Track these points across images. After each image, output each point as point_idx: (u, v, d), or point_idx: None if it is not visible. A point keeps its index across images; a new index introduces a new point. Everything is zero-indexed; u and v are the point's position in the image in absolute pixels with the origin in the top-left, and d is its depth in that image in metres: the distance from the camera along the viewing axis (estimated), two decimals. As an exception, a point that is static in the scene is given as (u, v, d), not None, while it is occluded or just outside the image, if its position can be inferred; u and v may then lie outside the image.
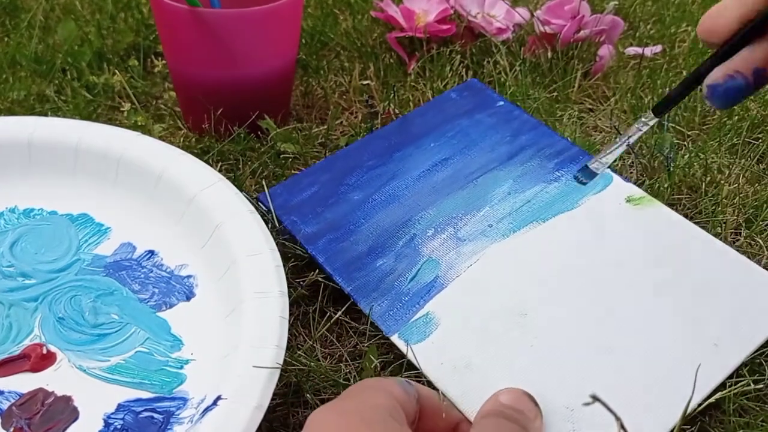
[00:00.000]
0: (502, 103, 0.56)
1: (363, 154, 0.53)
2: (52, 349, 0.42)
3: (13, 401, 0.39)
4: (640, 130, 0.41)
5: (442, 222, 0.48)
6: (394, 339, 0.42)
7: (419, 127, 0.55)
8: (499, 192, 0.49)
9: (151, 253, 0.48)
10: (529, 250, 0.46)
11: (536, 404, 0.36)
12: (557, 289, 0.44)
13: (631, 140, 0.42)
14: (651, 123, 0.40)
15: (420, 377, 0.40)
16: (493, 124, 0.54)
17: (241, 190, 0.52)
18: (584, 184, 0.46)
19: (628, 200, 0.48)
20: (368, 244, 0.47)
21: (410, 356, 0.40)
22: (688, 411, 0.36)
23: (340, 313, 0.45)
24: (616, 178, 0.49)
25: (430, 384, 0.39)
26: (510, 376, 0.39)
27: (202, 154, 0.56)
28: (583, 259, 0.45)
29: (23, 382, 0.40)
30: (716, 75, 0.34)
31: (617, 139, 0.44)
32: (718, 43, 0.34)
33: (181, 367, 0.41)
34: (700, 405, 0.38)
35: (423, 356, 0.40)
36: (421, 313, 0.43)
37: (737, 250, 0.45)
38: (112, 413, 0.39)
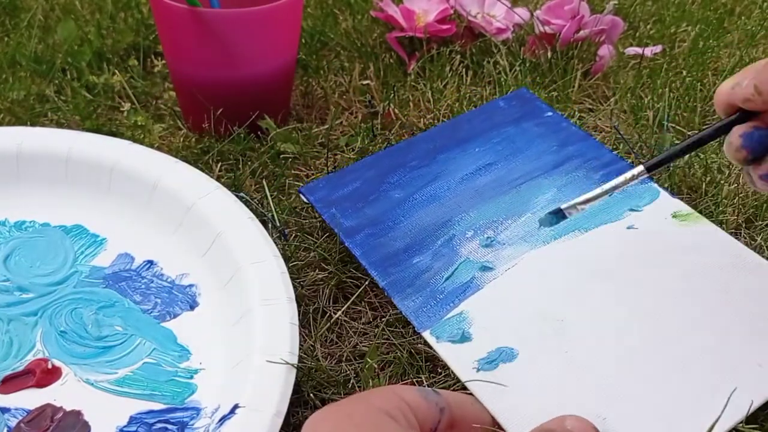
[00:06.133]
0: (550, 113, 0.56)
1: (407, 154, 0.53)
2: (57, 363, 0.41)
3: (20, 418, 0.38)
4: (627, 182, 0.39)
5: (482, 225, 0.48)
6: (426, 335, 0.41)
7: (465, 132, 0.55)
8: (542, 199, 0.49)
9: (150, 263, 0.47)
10: (568, 258, 0.45)
11: None
12: (596, 298, 0.43)
13: (616, 190, 0.39)
14: (639, 178, 0.39)
15: (435, 383, 0.40)
16: (541, 133, 0.54)
17: (241, 190, 0.52)
18: (549, 225, 0.42)
19: (675, 216, 0.47)
20: (406, 241, 0.47)
21: (440, 353, 0.40)
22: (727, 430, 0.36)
23: (340, 312, 0.45)
24: (663, 192, 0.49)
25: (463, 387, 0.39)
26: (542, 381, 0.39)
27: (201, 154, 0.56)
28: (625, 271, 0.44)
29: (29, 399, 0.39)
30: (743, 128, 0.36)
31: (600, 187, 0.40)
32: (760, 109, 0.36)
33: (191, 377, 0.41)
34: (739, 424, 0.37)
35: (454, 354, 0.40)
36: (455, 312, 0.42)
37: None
38: (125, 426, 0.39)
